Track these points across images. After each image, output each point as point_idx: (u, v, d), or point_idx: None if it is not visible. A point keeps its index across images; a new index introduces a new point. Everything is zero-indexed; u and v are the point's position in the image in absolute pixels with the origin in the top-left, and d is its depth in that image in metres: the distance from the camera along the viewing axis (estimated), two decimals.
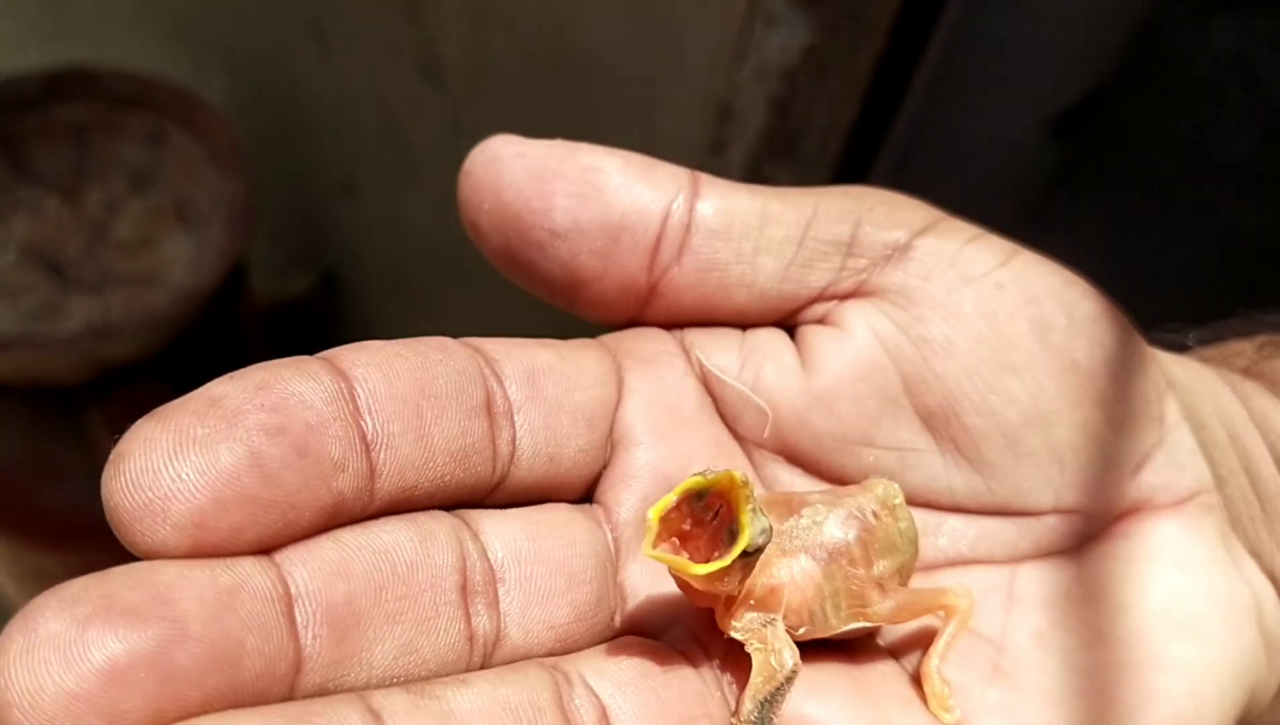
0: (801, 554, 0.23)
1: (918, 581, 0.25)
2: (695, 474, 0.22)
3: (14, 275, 0.92)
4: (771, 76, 0.68)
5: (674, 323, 0.27)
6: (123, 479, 0.19)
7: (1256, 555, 0.27)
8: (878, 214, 0.27)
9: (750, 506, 0.21)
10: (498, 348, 0.24)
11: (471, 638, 0.22)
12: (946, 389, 0.26)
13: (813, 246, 0.26)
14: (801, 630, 0.23)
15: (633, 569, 0.24)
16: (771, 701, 0.22)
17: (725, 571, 0.21)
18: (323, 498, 0.20)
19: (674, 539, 0.22)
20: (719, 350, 0.27)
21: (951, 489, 0.26)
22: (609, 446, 0.25)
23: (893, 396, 0.26)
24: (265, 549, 0.20)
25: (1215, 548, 0.26)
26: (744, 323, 0.27)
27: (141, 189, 0.96)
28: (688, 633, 0.24)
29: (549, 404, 0.24)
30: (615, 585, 0.24)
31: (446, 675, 0.21)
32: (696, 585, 0.22)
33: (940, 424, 0.26)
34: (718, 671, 0.23)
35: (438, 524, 0.22)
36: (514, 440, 0.24)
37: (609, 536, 0.25)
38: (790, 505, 0.24)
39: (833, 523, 0.24)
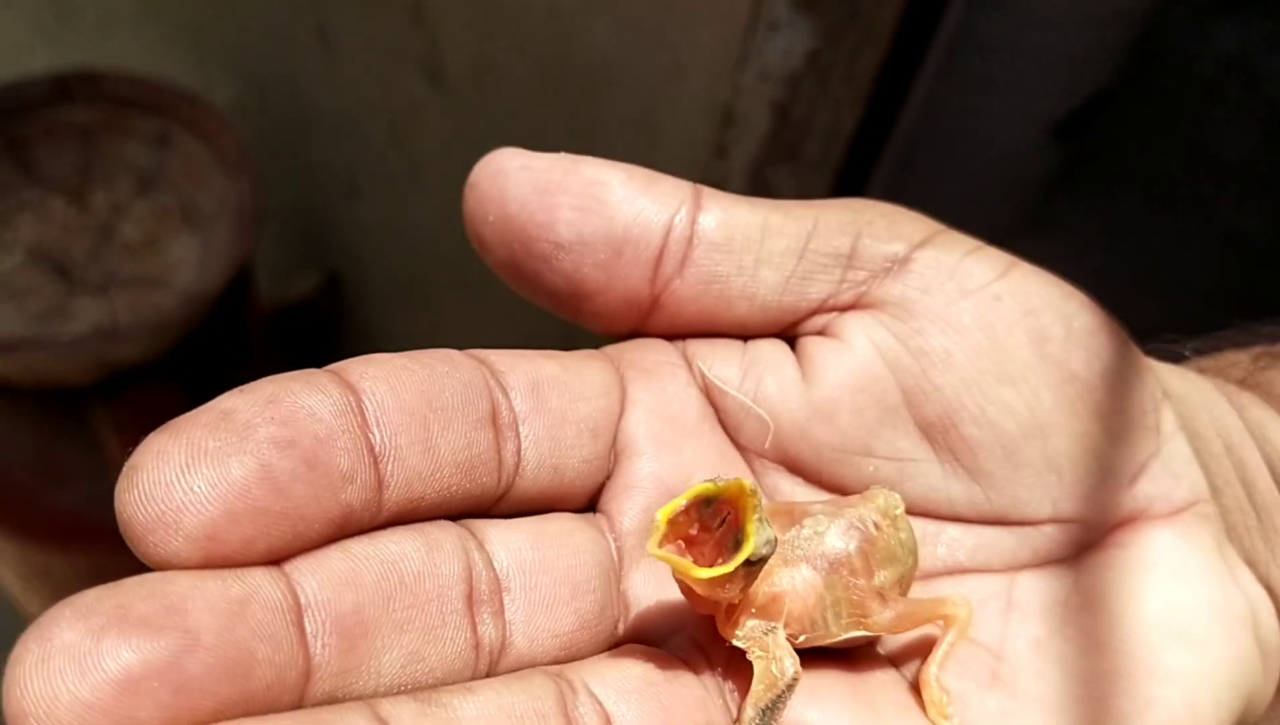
0: (803, 563, 0.24)
1: (916, 590, 0.26)
2: (706, 480, 0.22)
3: (20, 277, 0.92)
4: (774, 81, 0.69)
5: (676, 334, 0.27)
6: (136, 492, 0.20)
7: (1252, 565, 0.27)
8: (877, 227, 0.27)
9: (757, 516, 0.22)
10: (503, 359, 0.25)
11: (477, 646, 0.22)
12: (945, 400, 0.26)
13: (813, 259, 0.27)
14: (802, 638, 0.24)
15: (636, 578, 0.25)
16: (773, 709, 0.22)
17: (728, 578, 0.22)
18: (331, 509, 0.21)
19: (680, 543, 0.23)
20: (721, 361, 0.27)
21: (950, 499, 0.26)
22: (612, 457, 0.26)
23: (892, 407, 0.26)
24: (275, 560, 0.20)
25: (1211, 557, 0.26)
26: (745, 334, 0.27)
27: (147, 191, 0.96)
28: (690, 640, 0.24)
29: (553, 415, 0.25)
30: (618, 594, 0.25)
31: (453, 683, 0.22)
32: (698, 590, 0.22)
33: (939, 434, 0.26)
34: (720, 679, 0.24)
35: (444, 534, 0.23)
36: (519, 451, 0.24)
37: (612, 546, 0.25)
38: (793, 515, 0.24)
39: (834, 533, 0.24)
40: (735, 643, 0.23)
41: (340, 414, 0.21)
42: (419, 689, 0.21)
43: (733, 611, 0.23)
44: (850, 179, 0.77)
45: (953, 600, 0.25)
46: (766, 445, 0.26)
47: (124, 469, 0.20)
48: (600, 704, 0.22)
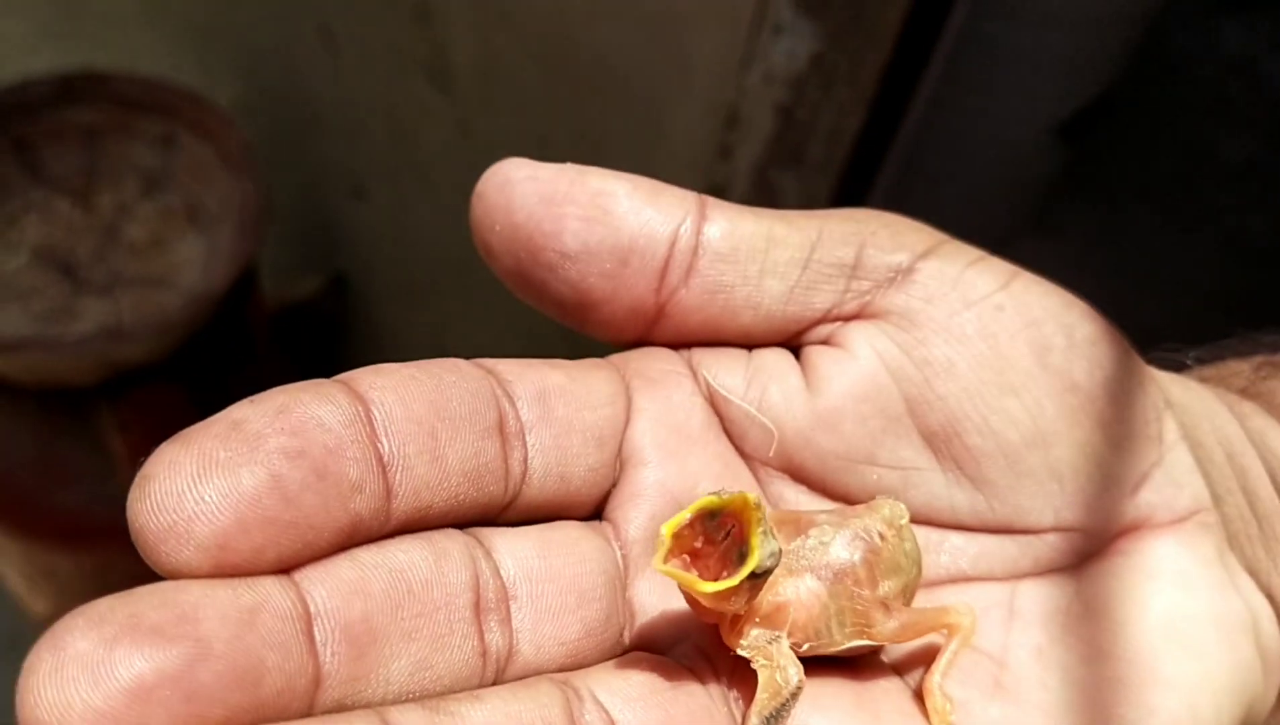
0: (808, 574, 0.24)
1: (920, 598, 0.26)
2: (710, 493, 0.22)
3: (26, 277, 0.93)
4: (778, 83, 0.69)
5: (681, 343, 0.28)
6: (148, 501, 0.20)
7: (1253, 573, 0.27)
8: (881, 237, 0.27)
9: (761, 529, 0.22)
10: (510, 369, 0.25)
11: (485, 654, 0.22)
12: (948, 409, 0.26)
13: (817, 269, 0.27)
14: (806, 647, 0.24)
15: (641, 586, 0.25)
16: (777, 717, 0.23)
17: (732, 591, 0.22)
18: (341, 518, 0.21)
19: (685, 556, 0.23)
20: (725, 370, 0.27)
21: (953, 507, 0.27)
22: (618, 465, 0.26)
23: (896, 416, 0.26)
24: (285, 568, 0.21)
25: (1213, 566, 0.26)
26: (750, 343, 0.28)
27: (152, 191, 0.96)
28: (695, 649, 0.25)
29: (560, 424, 0.25)
30: (624, 602, 0.25)
31: (460, 691, 0.22)
32: (704, 602, 0.23)
33: (942, 443, 0.26)
34: (724, 687, 0.24)
35: (451, 542, 0.23)
36: (526, 460, 0.24)
37: (618, 554, 0.25)
38: (798, 525, 0.25)
39: (839, 544, 0.24)
40: (740, 652, 0.23)
41: (349, 424, 0.22)
42: (427, 697, 0.21)
43: (737, 621, 0.24)
44: (854, 181, 0.77)
45: (956, 609, 0.25)
46: (771, 454, 0.27)
47: (136, 478, 0.20)
48: (606, 712, 0.22)
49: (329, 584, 0.21)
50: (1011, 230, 1.01)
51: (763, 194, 0.74)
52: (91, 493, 0.94)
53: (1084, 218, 1.14)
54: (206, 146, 0.95)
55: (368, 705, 0.21)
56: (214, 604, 0.19)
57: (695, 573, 0.23)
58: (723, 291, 0.27)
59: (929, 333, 0.26)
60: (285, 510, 0.20)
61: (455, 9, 0.83)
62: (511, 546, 0.24)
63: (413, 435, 0.22)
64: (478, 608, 0.22)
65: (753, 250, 0.27)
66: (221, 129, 0.94)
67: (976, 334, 0.26)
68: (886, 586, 0.24)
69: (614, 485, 0.26)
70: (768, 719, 0.23)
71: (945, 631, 0.25)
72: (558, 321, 0.28)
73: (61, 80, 0.96)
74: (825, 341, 0.27)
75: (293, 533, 0.20)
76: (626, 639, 0.25)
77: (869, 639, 0.24)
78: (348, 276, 1.16)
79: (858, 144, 0.73)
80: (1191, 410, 0.28)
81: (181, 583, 0.20)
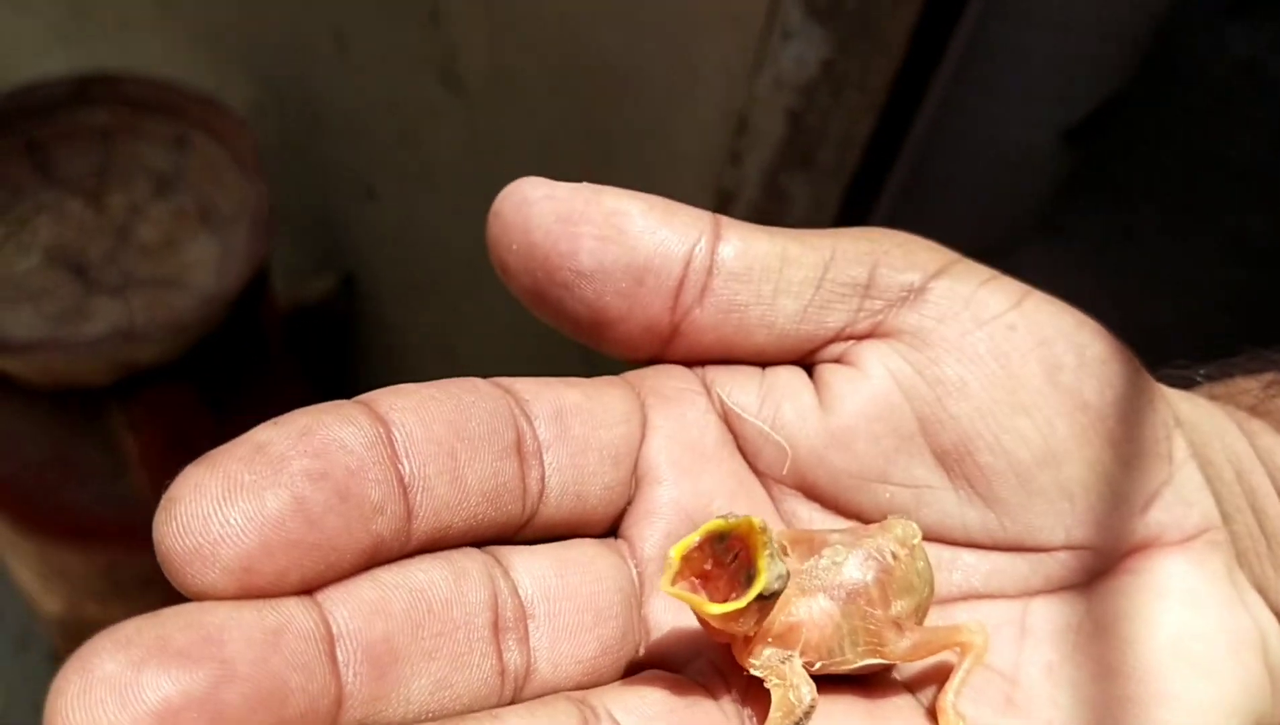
0: (820, 593, 0.24)
1: (932, 615, 0.26)
2: (718, 517, 0.23)
3: (38, 278, 0.93)
4: (788, 89, 0.69)
5: (695, 360, 0.28)
6: (174, 524, 0.20)
7: (1262, 591, 0.27)
8: (894, 256, 0.27)
9: (767, 552, 0.22)
10: (527, 388, 0.25)
11: (503, 673, 0.23)
12: (960, 428, 0.26)
13: (830, 288, 0.27)
14: (818, 665, 0.24)
15: (656, 603, 0.25)
16: None
17: (740, 613, 0.22)
18: (362, 540, 0.21)
19: (694, 578, 0.23)
20: (739, 388, 0.27)
21: (965, 525, 0.27)
22: (633, 483, 0.26)
23: (908, 435, 0.27)
24: (308, 589, 0.21)
25: (1222, 584, 0.27)
26: (763, 361, 0.28)
27: (164, 193, 0.97)
28: (710, 666, 0.25)
29: (576, 443, 0.25)
30: (640, 619, 0.25)
31: (479, 709, 0.22)
32: (712, 624, 0.23)
33: (954, 462, 0.27)
34: (739, 705, 0.24)
35: (470, 562, 0.23)
36: (543, 479, 0.25)
37: (633, 572, 0.25)
38: (811, 544, 0.25)
39: (852, 563, 0.24)
40: (753, 671, 0.24)
41: (371, 446, 0.22)
42: (447, 715, 0.22)
43: (749, 640, 0.24)
44: (864, 185, 0.77)
45: (968, 627, 0.25)
46: (784, 471, 0.27)
47: (162, 501, 0.21)
48: None
49: (351, 605, 0.21)
50: (1019, 232, 1.02)
51: (772, 199, 0.74)
52: (103, 492, 0.94)
53: (1091, 219, 1.14)
54: (218, 148, 0.96)
55: None
56: (239, 626, 0.19)
57: (705, 594, 0.23)
58: (737, 310, 0.27)
59: (941, 352, 0.27)
60: (309, 532, 0.21)
61: (466, 12, 0.83)
62: (529, 565, 0.24)
63: (433, 456, 0.23)
64: (496, 627, 0.23)
65: (767, 269, 0.27)
66: (233, 130, 0.95)
67: (988, 353, 0.27)
68: (899, 606, 0.25)
69: (629, 503, 0.26)
70: None
71: (958, 649, 0.25)
72: (573, 340, 0.28)
73: (74, 82, 0.96)
74: (838, 360, 0.28)
75: (316, 554, 0.21)
76: (641, 654, 0.25)
77: (882, 657, 0.24)
78: (358, 277, 1.17)
79: (868, 149, 0.74)
80: (1201, 428, 0.28)
81: (207, 604, 0.20)
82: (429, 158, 0.97)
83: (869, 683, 0.26)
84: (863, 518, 0.27)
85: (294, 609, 0.20)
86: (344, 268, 1.17)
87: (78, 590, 1.02)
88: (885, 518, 0.26)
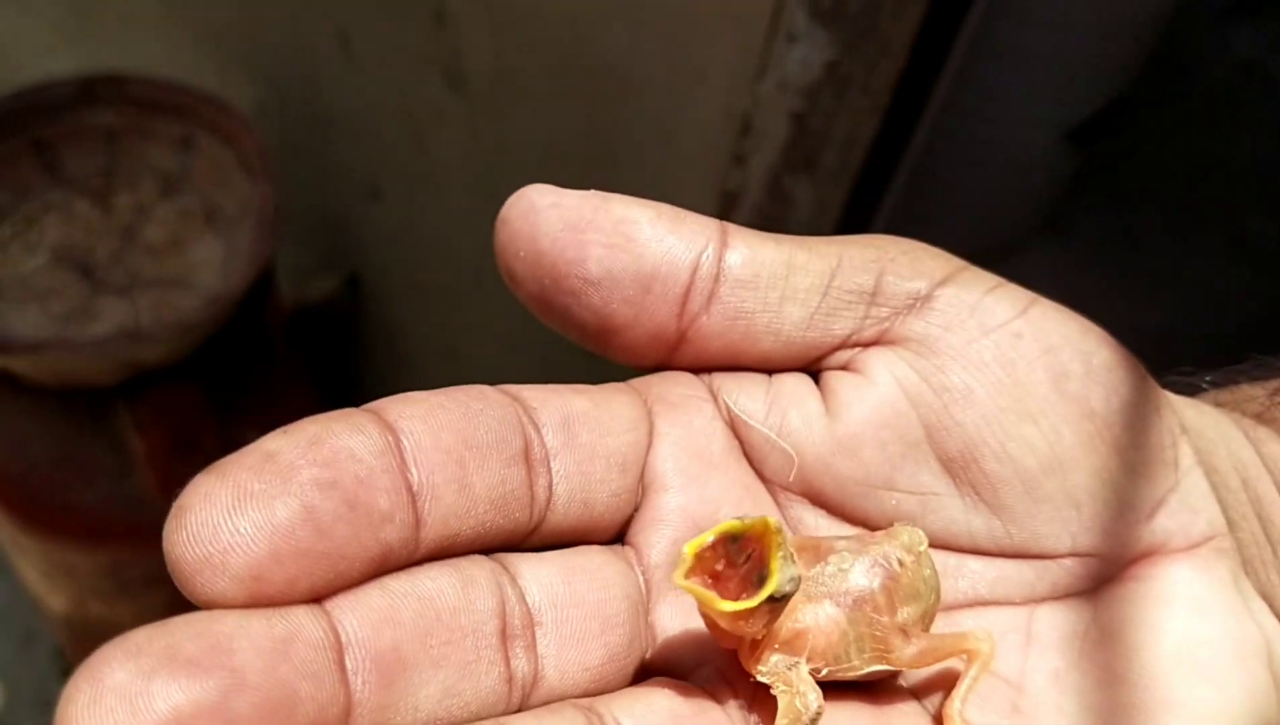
0: (827, 600, 0.24)
1: (938, 622, 0.26)
2: (733, 518, 0.23)
3: (45, 278, 0.93)
4: (792, 91, 0.69)
5: (702, 367, 0.28)
6: (184, 533, 0.20)
7: (1267, 598, 0.27)
8: (900, 264, 0.27)
9: (781, 553, 0.22)
10: (535, 395, 0.25)
11: (510, 680, 0.23)
12: (966, 436, 0.26)
13: (837, 296, 0.27)
14: (825, 672, 0.24)
15: (663, 610, 0.25)
16: None
17: (751, 613, 0.22)
18: (371, 548, 0.21)
19: (706, 578, 0.23)
20: (746, 395, 0.27)
21: (971, 532, 0.27)
22: (640, 490, 0.26)
23: (914, 442, 0.27)
24: (317, 598, 0.21)
25: (1228, 591, 0.27)
26: (769, 368, 0.28)
27: (170, 193, 0.97)
28: (716, 673, 0.25)
29: (584, 450, 0.25)
30: (646, 626, 0.25)
31: (487, 717, 0.22)
32: (722, 624, 0.23)
33: (960, 469, 0.27)
34: (745, 711, 0.24)
35: (478, 569, 0.23)
36: (550, 486, 0.25)
37: (640, 578, 0.26)
38: (818, 551, 0.25)
39: (859, 570, 0.25)
40: (759, 677, 0.24)
41: (380, 454, 0.22)
42: (454, 723, 0.22)
43: (756, 646, 0.24)
44: (867, 187, 0.77)
45: (975, 635, 0.25)
46: (791, 478, 0.27)
47: (172, 509, 0.21)
48: None
49: (359, 613, 0.21)
50: (1022, 233, 1.01)
51: (776, 201, 0.74)
52: (109, 492, 0.95)
53: (1095, 220, 1.14)
54: (224, 148, 0.96)
55: None
56: (248, 635, 0.20)
57: (715, 594, 0.23)
58: (743, 317, 0.27)
59: (947, 359, 0.27)
60: (318, 541, 0.21)
61: (471, 13, 0.83)
62: (536, 572, 0.24)
63: (441, 464, 0.23)
64: (504, 634, 0.23)
65: (773, 277, 0.27)
66: (239, 131, 0.95)
67: (994, 361, 0.27)
68: (905, 613, 0.25)
69: (636, 510, 0.26)
70: None
71: (964, 656, 0.25)
72: (579, 346, 0.28)
73: (81, 82, 0.96)
74: (844, 367, 0.28)
75: (325, 563, 0.21)
76: (648, 661, 0.25)
77: (888, 664, 0.25)
78: (363, 277, 1.17)
79: (871, 150, 0.74)
80: (1207, 435, 0.28)
81: (216, 613, 0.20)
82: (433, 158, 0.97)
83: (875, 689, 0.26)
84: (869, 524, 0.27)
85: (303, 618, 0.20)
86: (348, 268, 1.17)
87: (83, 589, 1.02)
88: (891, 525, 0.26)
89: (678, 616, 0.25)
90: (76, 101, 0.96)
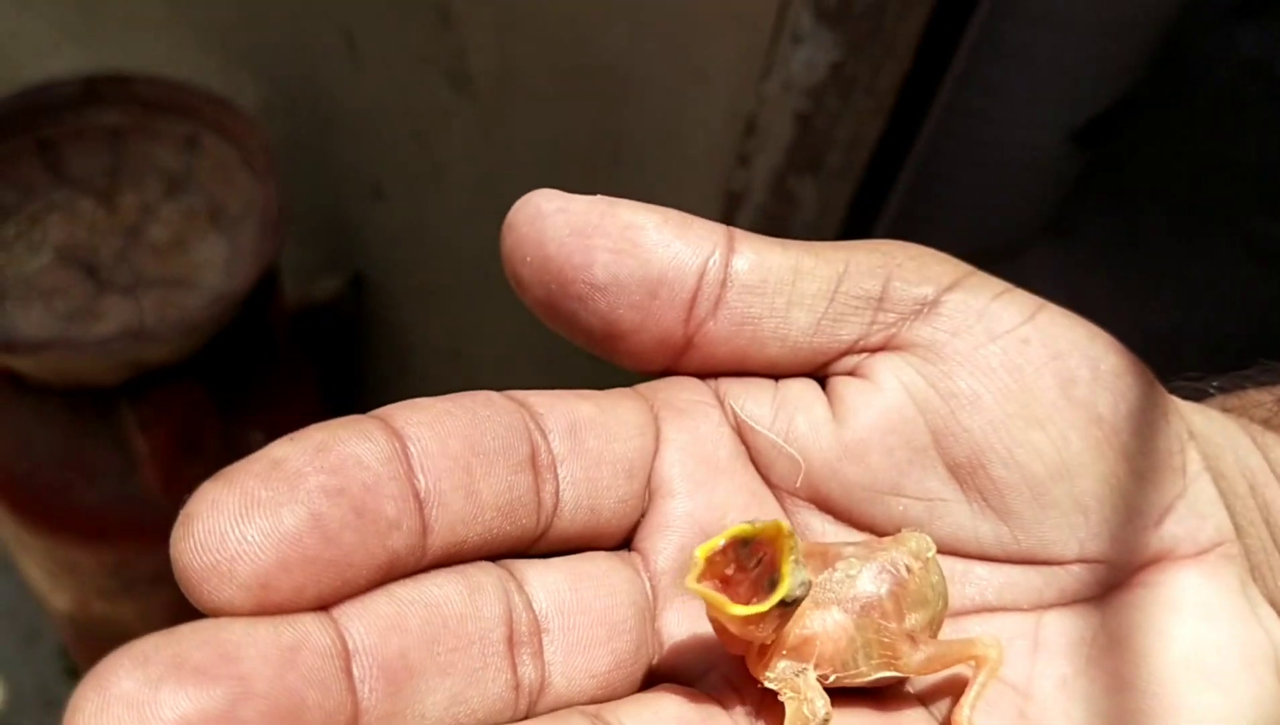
0: (834, 606, 0.24)
1: (945, 628, 0.26)
2: (744, 522, 0.23)
3: (49, 277, 0.93)
4: (797, 92, 0.69)
5: (708, 373, 0.28)
6: (191, 541, 0.20)
7: (1275, 604, 0.27)
8: (907, 270, 0.27)
9: (793, 558, 0.22)
10: (541, 401, 0.25)
11: (517, 687, 0.23)
12: (974, 441, 0.26)
13: (844, 301, 0.27)
14: (832, 678, 0.24)
15: (670, 616, 0.25)
16: None
17: (761, 617, 0.22)
18: (378, 555, 0.21)
19: (716, 582, 0.23)
20: (752, 400, 0.27)
21: (978, 538, 0.27)
22: (647, 495, 0.26)
23: (921, 448, 0.27)
24: (324, 605, 0.21)
25: (1236, 597, 0.27)
26: (776, 373, 0.28)
27: (175, 193, 0.97)
28: (723, 679, 0.25)
29: (590, 456, 0.25)
30: (653, 632, 0.25)
31: (494, 724, 0.22)
32: (732, 628, 0.23)
33: (967, 475, 0.27)
34: (752, 718, 0.24)
35: (485, 576, 0.23)
36: (557, 493, 0.25)
37: (647, 585, 0.25)
38: (826, 557, 0.25)
39: (866, 577, 0.25)
40: (767, 684, 0.24)
41: (387, 461, 0.22)
42: None
43: (764, 652, 0.24)
44: (872, 188, 0.77)
45: (983, 641, 0.25)
46: (798, 484, 0.27)
47: (179, 517, 0.21)
48: None
49: (367, 620, 0.21)
50: (1027, 234, 1.01)
51: (781, 202, 0.74)
52: (113, 491, 0.95)
53: (1100, 221, 1.14)
54: (229, 148, 0.96)
55: None
56: (256, 643, 0.20)
57: (727, 598, 0.23)
58: (750, 323, 0.27)
59: (954, 365, 0.27)
60: (325, 549, 0.21)
61: (475, 13, 0.83)
62: (543, 579, 0.24)
63: (448, 471, 0.23)
64: (511, 641, 0.23)
65: (780, 282, 0.27)
66: (243, 131, 0.95)
67: (1002, 367, 0.27)
68: (913, 619, 0.25)
69: (643, 515, 0.26)
70: None
71: (972, 663, 0.25)
72: (585, 350, 0.28)
73: (85, 81, 0.96)
74: (851, 373, 0.28)
75: (332, 571, 0.21)
76: (655, 669, 0.25)
77: (896, 671, 0.24)
78: (367, 277, 1.17)
79: (876, 151, 0.74)
80: (1214, 441, 0.28)
81: (223, 621, 0.20)
82: (438, 158, 0.97)
83: (883, 696, 0.26)
84: (876, 530, 0.27)
85: (310, 625, 0.20)
86: (352, 268, 1.17)
87: (86, 587, 1.02)
88: (899, 530, 0.26)
89: (685, 622, 0.25)
90: (80, 101, 0.96)
